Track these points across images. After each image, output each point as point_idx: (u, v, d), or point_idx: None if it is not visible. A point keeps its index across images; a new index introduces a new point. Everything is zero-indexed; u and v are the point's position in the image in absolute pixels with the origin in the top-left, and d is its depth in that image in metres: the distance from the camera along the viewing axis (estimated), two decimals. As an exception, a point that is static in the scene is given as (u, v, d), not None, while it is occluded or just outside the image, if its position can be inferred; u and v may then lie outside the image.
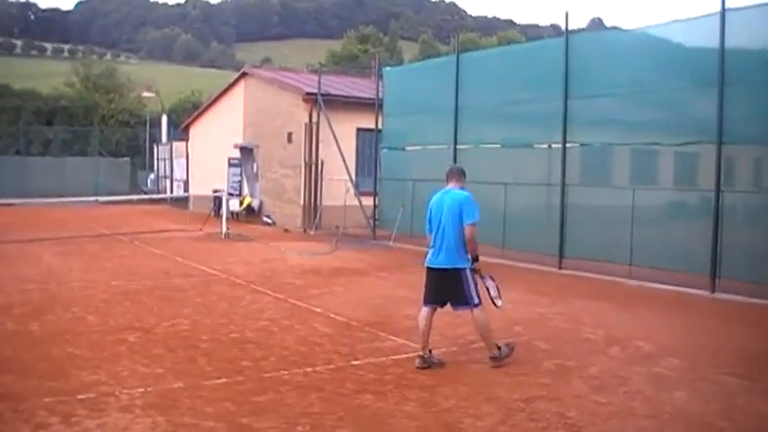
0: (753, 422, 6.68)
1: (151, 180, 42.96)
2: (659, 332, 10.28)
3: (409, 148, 21.88)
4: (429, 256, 8.65)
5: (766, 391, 7.62)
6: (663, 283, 13.99)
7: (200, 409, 6.69)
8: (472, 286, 8.34)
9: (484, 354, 8.85)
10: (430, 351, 8.41)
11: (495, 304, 8.74)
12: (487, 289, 8.68)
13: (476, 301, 8.30)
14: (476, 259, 8.46)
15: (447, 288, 8.45)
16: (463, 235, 8.32)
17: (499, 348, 8.35)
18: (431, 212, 8.73)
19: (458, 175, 8.94)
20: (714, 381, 7.97)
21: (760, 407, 7.12)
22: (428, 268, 8.64)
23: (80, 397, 6.95)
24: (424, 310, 8.58)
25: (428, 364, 8.23)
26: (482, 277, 8.67)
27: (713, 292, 13.34)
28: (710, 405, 7.11)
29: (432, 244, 8.62)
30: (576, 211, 16.16)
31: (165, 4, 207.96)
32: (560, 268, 15.92)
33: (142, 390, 7.23)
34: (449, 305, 8.59)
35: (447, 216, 8.44)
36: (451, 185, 8.81)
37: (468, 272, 8.36)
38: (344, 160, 23.87)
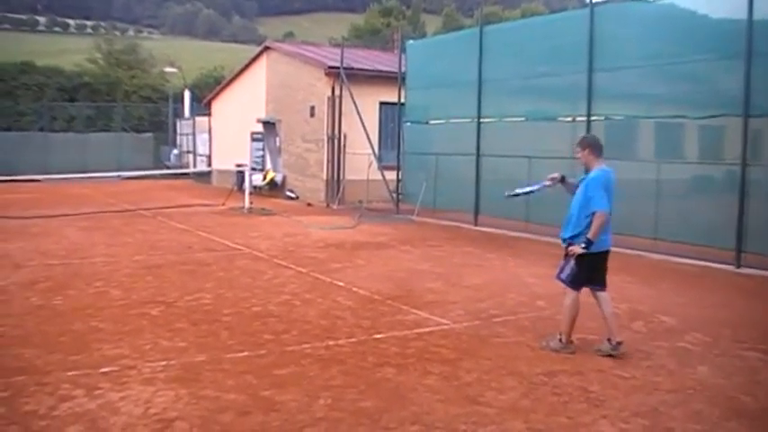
0: (777, 397, 6.63)
1: (174, 155, 43.02)
2: (683, 307, 10.22)
3: (432, 122, 21.81)
4: (605, 236, 7.93)
5: (790, 366, 7.56)
6: (687, 258, 13.90)
7: (222, 382, 6.71)
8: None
9: (507, 328, 8.85)
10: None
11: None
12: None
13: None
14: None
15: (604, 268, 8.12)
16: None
17: (561, 340, 7.98)
18: (608, 189, 7.89)
19: None
20: (737, 356, 7.93)
21: (783, 381, 7.08)
22: (607, 251, 8.06)
23: (103, 370, 6.99)
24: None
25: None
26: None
27: (738, 266, 13.24)
28: (733, 380, 7.07)
29: (608, 224, 7.90)
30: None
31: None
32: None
33: (164, 363, 7.27)
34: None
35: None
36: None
37: None
38: (367, 134, 23.81)
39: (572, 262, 7.88)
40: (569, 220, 8.02)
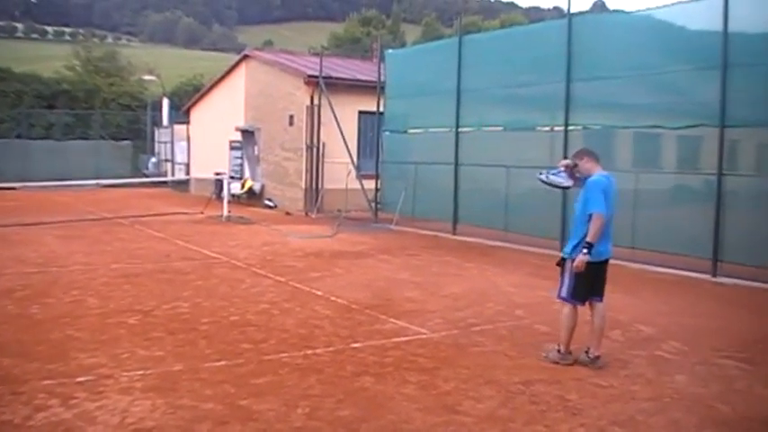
0: (751, 406, 6.67)
1: (152, 163, 42.84)
2: (661, 315, 10.28)
3: (411, 131, 21.83)
4: (606, 245, 7.94)
5: (765, 376, 7.61)
6: (665, 267, 14.00)
7: (200, 392, 6.68)
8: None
9: (485, 337, 8.87)
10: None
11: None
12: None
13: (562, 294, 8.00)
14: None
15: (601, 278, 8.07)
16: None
17: (559, 351, 7.93)
18: (607, 193, 7.87)
19: None
20: (714, 364, 7.97)
21: (759, 391, 7.12)
22: (607, 260, 8.05)
23: (79, 379, 6.94)
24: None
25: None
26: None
27: (715, 275, 13.34)
28: (710, 388, 7.11)
29: (608, 231, 7.91)
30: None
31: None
32: (563, 251, 15.86)
33: (142, 372, 7.23)
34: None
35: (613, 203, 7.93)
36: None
37: None
38: (346, 143, 23.83)
39: (570, 275, 7.81)
40: (574, 228, 8.02)
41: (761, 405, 6.70)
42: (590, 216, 7.64)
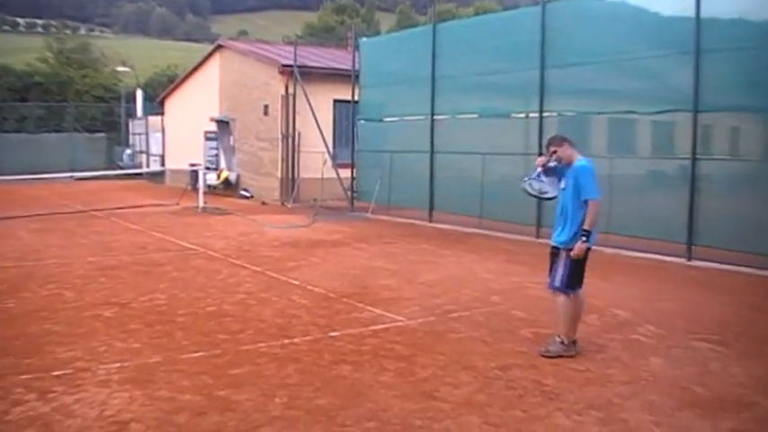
0: (727, 387, 6.73)
1: (127, 155, 42.62)
2: (636, 300, 10.35)
3: (386, 120, 21.84)
4: (596, 233, 7.84)
5: (738, 356, 7.68)
6: (639, 252, 14.10)
7: (178, 383, 6.67)
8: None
9: (462, 323, 8.90)
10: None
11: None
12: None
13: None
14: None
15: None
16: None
17: (563, 343, 7.66)
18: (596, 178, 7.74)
19: None
20: (689, 347, 8.04)
21: (732, 371, 7.18)
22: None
23: (56, 373, 6.91)
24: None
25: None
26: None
27: (689, 259, 13.45)
28: (685, 370, 7.17)
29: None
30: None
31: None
32: (537, 237, 15.94)
33: (119, 365, 7.20)
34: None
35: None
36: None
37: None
38: (321, 132, 23.81)
39: (564, 264, 7.66)
40: (564, 218, 7.75)
41: (736, 386, 6.76)
42: (584, 202, 7.50)
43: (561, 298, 7.76)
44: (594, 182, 7.58)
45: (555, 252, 7.84)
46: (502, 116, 17.86)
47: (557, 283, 7.76)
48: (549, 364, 7.27)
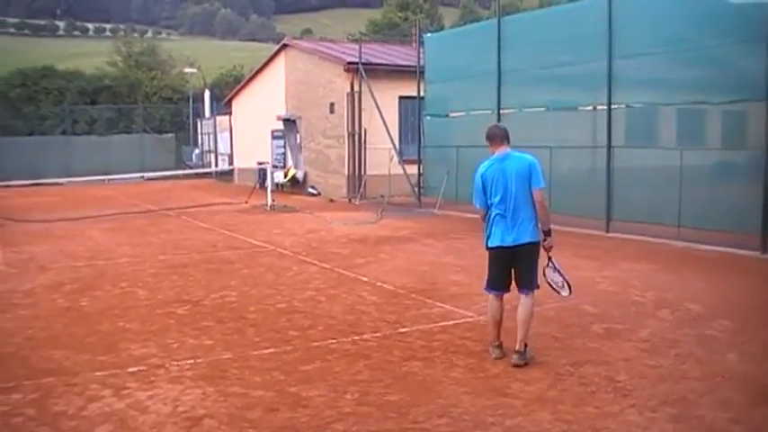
0: (807, 382, 6.58)
1: (196, 155, 43.25)
2: (709, 294, 10.15)
3: (452, 115, 21.81)
4: (497, 232, 7.37)
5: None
6: (711, 245, 13.80)
7: (249, 379, 6.74)
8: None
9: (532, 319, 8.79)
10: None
11: (559, 293, 7.74)
12: (558, 271, 7.64)
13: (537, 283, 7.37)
14: (548, 234, 7.36)
15: (519, 267, 7.37)
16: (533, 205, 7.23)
17: (525, 348, 7.20)
18: (488, 182, 7.45)
19: (508, 136, 7.64)
20: (764, 342, 7.87)
21: (813, 366, 7.02)
22: (500, 248, 7.40)
23: (131, 370, 7.04)
24: (496, 298, 7.56)
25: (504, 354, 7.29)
26: (549, 259, 7.61)
27: (764, 252, 13.14)
28: (761, 366, 7.02)
29: (496, 219, 7.35)
30: (623, 173, 15.96)
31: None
32: (607, 231, 15.76)
33: (192, 361, 7.31)
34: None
35: (517, 184, 7.24)
36: (506, 149, 7.55)
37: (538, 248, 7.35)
38: (387, 129, 23.85)
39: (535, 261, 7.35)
40: (515, 209, 7.23)
41: (814, 381, 6.61)
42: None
43: (531, 300, 7.35)
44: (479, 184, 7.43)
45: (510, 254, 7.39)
46: (569, 109, 17.67)
47: (537, 281, 7.41)
48: (621, 360, 7.17)
